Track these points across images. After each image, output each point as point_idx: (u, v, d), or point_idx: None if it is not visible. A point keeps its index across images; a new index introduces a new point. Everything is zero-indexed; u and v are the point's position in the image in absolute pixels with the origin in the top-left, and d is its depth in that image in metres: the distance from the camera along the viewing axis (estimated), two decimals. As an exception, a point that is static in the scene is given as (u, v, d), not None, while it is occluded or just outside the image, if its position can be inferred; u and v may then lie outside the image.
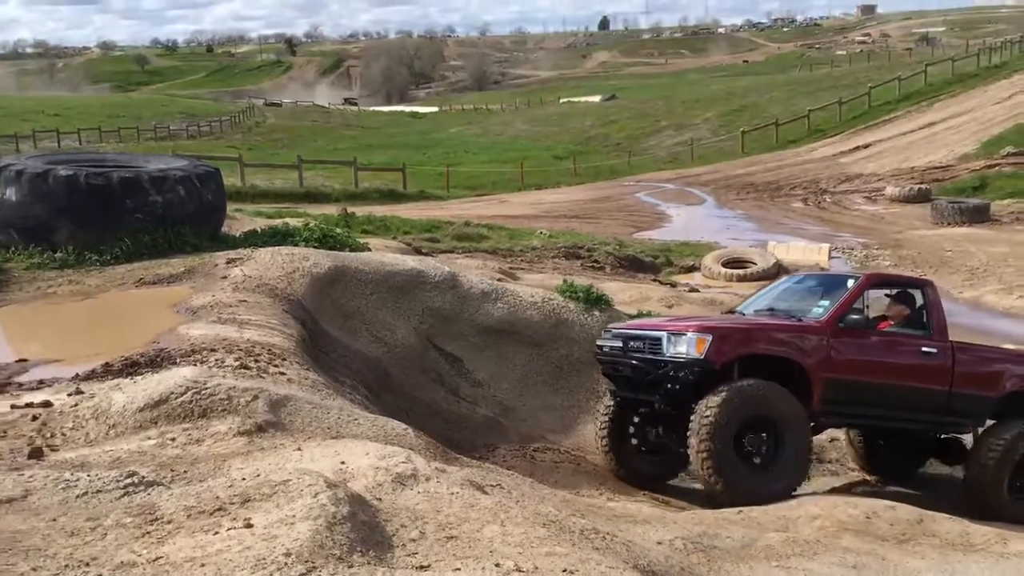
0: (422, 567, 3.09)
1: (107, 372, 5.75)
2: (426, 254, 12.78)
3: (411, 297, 8.93)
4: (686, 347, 6.53)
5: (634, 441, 7.51)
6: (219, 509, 3.34)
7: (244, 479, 3.65)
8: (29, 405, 5.07)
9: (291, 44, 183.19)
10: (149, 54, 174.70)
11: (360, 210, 19.12)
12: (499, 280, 10.53)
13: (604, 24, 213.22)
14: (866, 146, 33.85)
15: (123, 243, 9.05)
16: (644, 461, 7.49)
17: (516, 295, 9.43)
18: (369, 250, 10.90)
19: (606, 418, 7.51)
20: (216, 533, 3.12)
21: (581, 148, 46.84)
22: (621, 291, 12.33)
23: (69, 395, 5.20)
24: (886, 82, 41.56)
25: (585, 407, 8.57)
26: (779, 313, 7.42)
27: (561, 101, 80.00)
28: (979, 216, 21.41)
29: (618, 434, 7.47)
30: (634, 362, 6.92)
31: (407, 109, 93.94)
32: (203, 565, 2.85)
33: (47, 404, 5.04)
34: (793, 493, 6.40)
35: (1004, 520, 6.47)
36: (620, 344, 7.13)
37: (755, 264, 16.39)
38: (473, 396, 8.74)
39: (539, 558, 3.26)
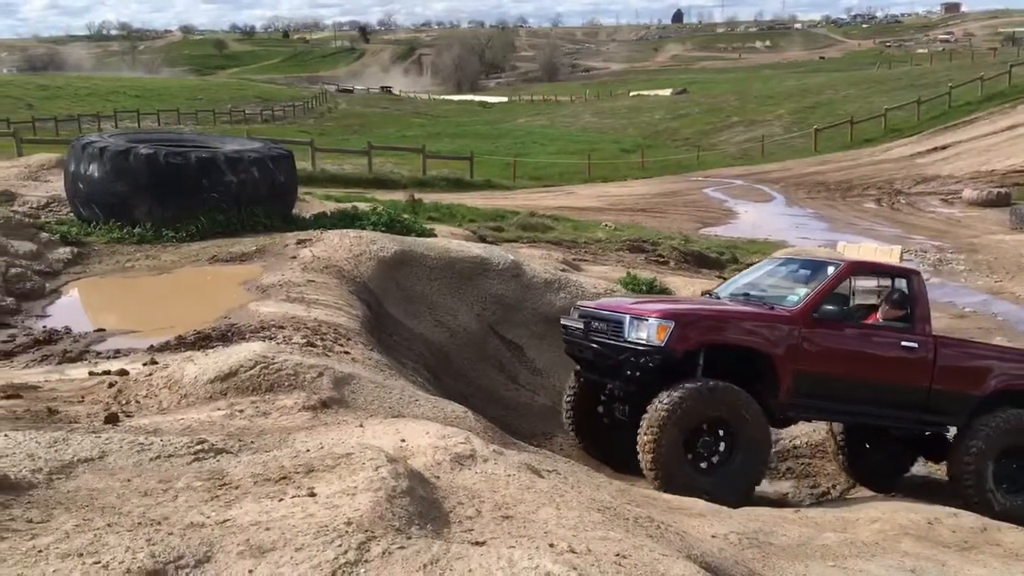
0: (477, 543, 3.15)
1: (180, 344, 5.96)
2: (491, 242, 12.86)
3: (474, 284, 9.02)
4: (647, 333, 6.24)
5: (601, 413, 7.22)
6: (284, 478, 3.45)
7: (308, 450, 3.76)
8: (106, 373, 5.29)
9: (364, 32, 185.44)
10: (227, 39, 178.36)
11: (427, 197, 19.29)
12: (562, 270, 10.56)
13: (678, 17, 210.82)
14: (944, 147, 32.91)
15: (198, 221, 9.34)
16: (611, 439, 7.14)
17: (579, 286, 9.45)
18: (435, 236, 11.04)
19: (571, 396, 7.27)
20: (281, 500, 3.23)
21: (649, 142, 46.45)
22: (685, 286, 12.24)
23: (144, 365, 5.41)
24: (968, 82, 40.25)
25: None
26: (754, 299, 7.06)
27: (631, 94, 79.42)
28: (1061, 223, 20.66)
29: (584, 412, 7.24)
30: (595, 346, 6.65)
31: (477, 99, 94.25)
32: (268, 529, 2.95)
33: (123, 372, 5.25)
34: (745, 498, 6.06)
35: (993, 517, 6.08)
36: (582, 325, 6.82)
37: (823, 264, 16.07)
38: (532, 384, 8.80)
39: (593, 541, 3.30)
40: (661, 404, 6.05)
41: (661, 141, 47.22)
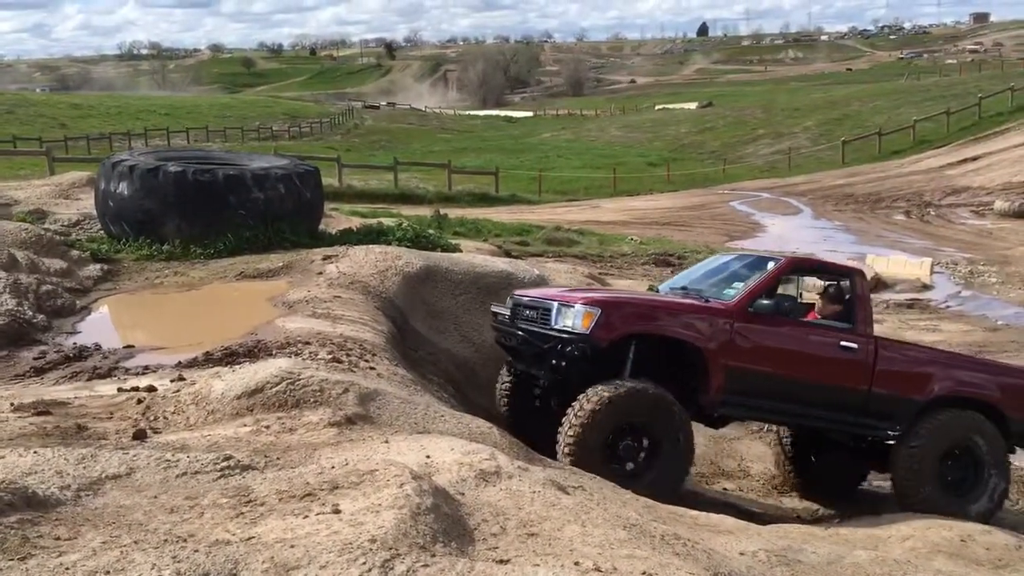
0: (502, 561, 3.13)
1: (207, 360, 6.00)
2: (516, 257, 12.86)
3: (500, 298, 9.00)
4: (572, 320, 6.04)
5: (536, 398, 6.97)
6: (309, 494, 3.45)
7: (333, 467, 3.77)
8: (135, 389, 5.33)
9: (390, 48, 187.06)
10: (256, 57, 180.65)
11: (453, 212, 19.37)
12: (588, 285, 10.52)
13: (703, 30, 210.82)
14: (975, 158, 32.55)
15: (226, 238, 9.41)
16: (549, 431, 6.63)
17: (604, 300, 9.41)
18: (460, 251, 11.05)
19: (506, 389, 7.05)
20: (306, 517, 3.23)
21: (675, 155, 46.37)
22: (711, 300, 12.16)
23: (172, 381, 5.45)
24: (998, 92, 39.86)
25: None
26: (692, 292, 6.85)
27: (656, 108, 79.44)
28: (1095, 234, 20.34)
29: (520, 403, 6.98)
30: (520, 333, 6.45)
31: (502, 113, 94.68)
32: (293, 546, 2.95)
33: (151, 389, 5.29)
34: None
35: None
36: (510, 312, 6.62)
37: (852, 277, 15.88)
38: (558, 399, 8.75)
39: (619, 559, 3.27)
40: (585, 402, 5.86)
41: (687, 154, 47.12)
